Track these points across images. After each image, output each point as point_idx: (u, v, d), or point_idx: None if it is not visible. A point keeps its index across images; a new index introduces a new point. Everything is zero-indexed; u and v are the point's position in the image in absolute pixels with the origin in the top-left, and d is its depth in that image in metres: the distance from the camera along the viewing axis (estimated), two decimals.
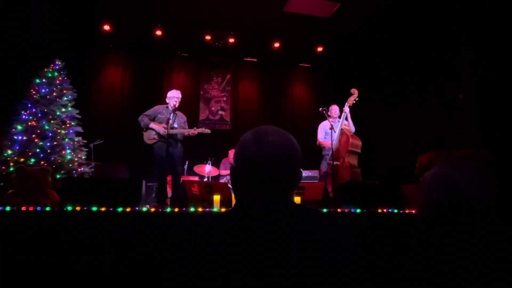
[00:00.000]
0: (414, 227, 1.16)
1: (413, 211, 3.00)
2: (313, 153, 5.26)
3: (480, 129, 4.75)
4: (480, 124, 4.75)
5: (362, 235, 2.74)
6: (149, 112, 4.66)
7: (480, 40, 4.83)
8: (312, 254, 0.79)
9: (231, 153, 6.35)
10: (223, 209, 3.02)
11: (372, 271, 2.35)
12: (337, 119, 5.04)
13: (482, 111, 4.81)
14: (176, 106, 4.59)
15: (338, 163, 4.54)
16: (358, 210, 3.03)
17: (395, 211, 3.08)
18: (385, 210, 3.07)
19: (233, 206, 0.92)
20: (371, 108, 6.97)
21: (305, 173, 5.83)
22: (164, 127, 4.46)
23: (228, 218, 0.87)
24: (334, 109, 5.16)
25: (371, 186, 3.71)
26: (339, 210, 3.09)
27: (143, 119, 4.59)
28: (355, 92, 4.98)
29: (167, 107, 4.64)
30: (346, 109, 4.93)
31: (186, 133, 4.55)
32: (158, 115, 4.62)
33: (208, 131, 4.63)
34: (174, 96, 4.60)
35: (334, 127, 4.87)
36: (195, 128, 4.57)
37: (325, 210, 3.02)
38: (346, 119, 4.95)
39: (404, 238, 2.57)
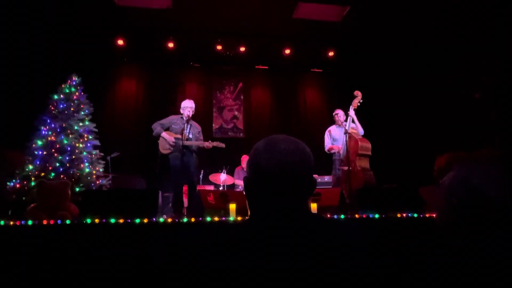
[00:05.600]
0: (435, 232, 1.13)
1: (433, 215, 2.93)
2: (328, 158, 5.21)
3: (498, 128, 4.62)
4: (498, 123, 4.63)
5: (381, 242, 2.69)
6: (163, 121, 4.71)
7: (497, 36, 4.74)
8: (329, 265, 0.78)
9: (243, 159, 6.36)
10: (239, 218, 3.02)
11: (392, 278, 2.30)
12: (344, 123, 4.94)
13: (499, 109, 4.69)
14: (190, 116, 4.62)
15: (350, 167, 4.47)
16: (377, 216, 2.98)
17: (415, 215, 3.01)
18: (404, 215, 3.01)
19: (248, 216, 0.92)
20: (385, 110, 6.90)
21: (320, 179, 5.78)
22: (175, 138, 4.50)
23: (243, 229, 0.87)
24: (338, 113, 5.08)
25: (388, 190, 3.64)
26: (356, 216, 3.04)
27: (156, 127, 4.63)
28: (358, 94, 4.88)
29: (181, 117, 4.67)
30: (351, 112, 4.84)
31: (200, 145, 4.58)
32: (173, 125, 4.65)
33: (222, 145, 4.64)
34: (187, 106, 4.63)
35: (340, 131, 4.83)
36: (210, 141, 4.59)
37: (342, 217, 2.98)
38: (353, 122, 4.88)
39: (425, 243, 2.51)
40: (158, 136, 4.60)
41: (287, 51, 7.31)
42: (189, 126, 4.61)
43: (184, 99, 4.90)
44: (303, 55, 7.53)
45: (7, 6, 4.97)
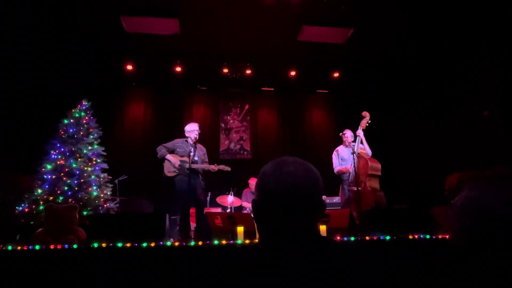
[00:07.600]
0: (448, 253, 1.10)
1: (446, 236, 2.86)
2: (337, 179, 5.16)
3: (508, 146, 4.56)
4: (508, 141, 4.57)
5: (393, 264, 2.62)
6: (168, 144, 4.75)
7: (505, 54, 4.75)
8: None
9: (251, 181, 6.32)
10: (247, 241, 2.97)
11: None
12: (351, 143, 4.91)
13: (509, 127, 4.64)
14: (197, 138, 4.68)
15: (360, 188, 4.41)
16: (388, 237, 2.91)
17: (427, 236, 2.94)
18: (416, 236, 2.94)
19: (256, 239, 0.91)
20: (393, 130, 6.87)
21: (329, 200, 5.71)
22: (180, 160, 4.53)
23: (252, 253, 0.85)
24: (345, 133, 5.06)
25: (399, 211, 3.58)
26: (367, 237, 2.98)
27: (160, 150, 4.67)
28: (366, 115, 4.89)
29: (186, 140, 4.72)
30: (360, 132, 4.84)
31: (206, 169, 4.61)
32: (178, 149, 4.69)
33: (228, 168, 4.68)
34: (194, 130, 4.69)
35: (348, 151, 4.81)
36: (215, 164, 4.62)
37: (352, 239, 2.92)
38: (362, 142, 4.86)
39: (438, 266, 2.43)
40: (163, 158, 4.63)
41: (293, 73, 7.40)
42: (195, 149, 4.64)
43: (191, 122, 4.96)
44: (309, 76, 7.61)
45: (17, 31, 5.15)
